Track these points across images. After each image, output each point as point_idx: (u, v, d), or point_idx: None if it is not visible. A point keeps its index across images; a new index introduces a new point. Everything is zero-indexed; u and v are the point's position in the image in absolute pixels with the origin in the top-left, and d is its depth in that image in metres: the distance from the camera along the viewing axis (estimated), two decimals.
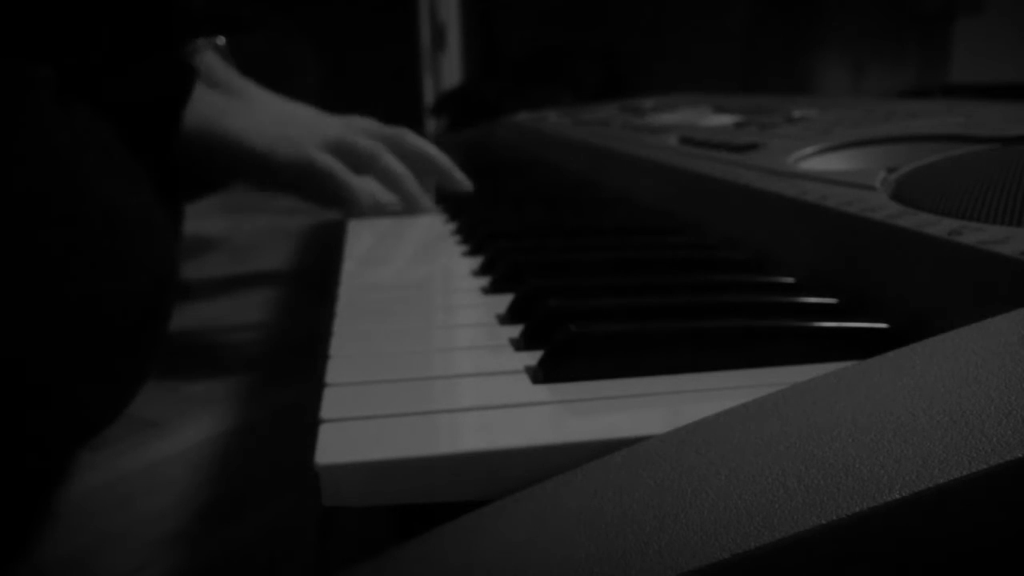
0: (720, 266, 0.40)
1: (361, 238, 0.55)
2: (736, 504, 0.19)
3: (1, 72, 0.41)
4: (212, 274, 0.95)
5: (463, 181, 0.67)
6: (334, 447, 0.22)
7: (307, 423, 0.24)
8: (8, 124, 0.39)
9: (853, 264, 0.33)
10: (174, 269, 0.46)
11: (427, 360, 0.30)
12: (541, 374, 0.27)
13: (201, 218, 1.12)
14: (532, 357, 0.28)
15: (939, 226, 0.30)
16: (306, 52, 1.05)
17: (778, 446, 0.20)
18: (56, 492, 0.44)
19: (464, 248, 0.49)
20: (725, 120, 0.74)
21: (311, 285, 0.89)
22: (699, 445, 0.21)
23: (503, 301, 0.36)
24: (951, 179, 0.36)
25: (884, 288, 0.31)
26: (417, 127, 0.70)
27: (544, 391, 0.26)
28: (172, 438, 0.51)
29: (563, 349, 0.27)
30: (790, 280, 0.36)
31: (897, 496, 0.18)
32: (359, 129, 0.66)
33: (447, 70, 2.53)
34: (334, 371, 0.28)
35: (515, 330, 0.32)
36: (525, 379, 0.27)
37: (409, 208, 0.63)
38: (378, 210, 0.63)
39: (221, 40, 0.73)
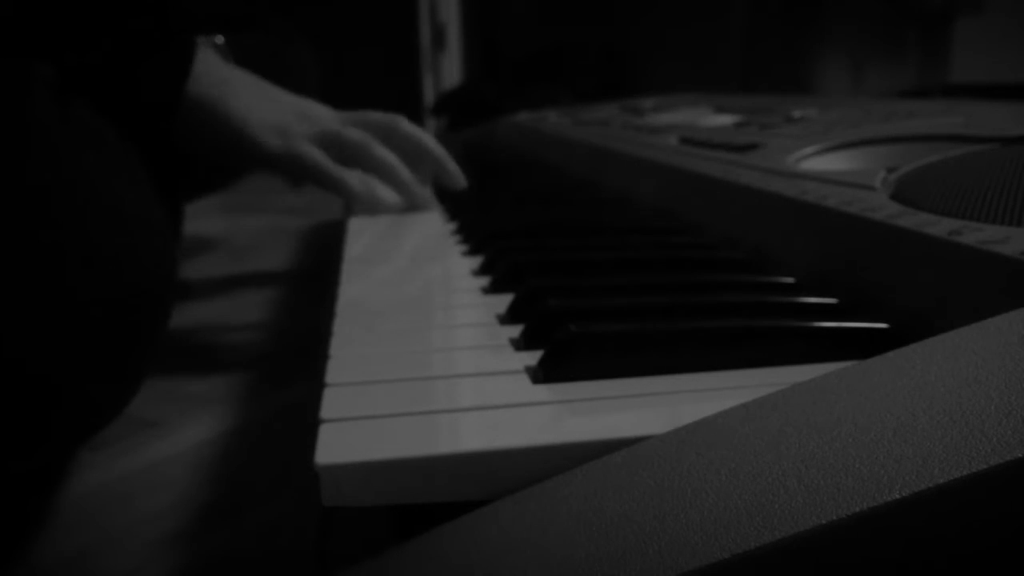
0: (720, 266, 0.40)
1: (361, 238, 0.55)
2: (736, 504, 0.19)
3: (1, 71, 0.41)
4: (212, 274, 0.95)
5: (456, 173, 0.67)
6: (334, 447, 0.22)
7: (307, 423, 0.24)
8: (8, 122, 0.39)
9: (853, 264, 0.33)
10: (174, 267, 0.46)
11: (427, 360, 0.30)
12: (541, 374, 0.27)
13: (201, 218, 1.12)
14: (532, 357, 0.28)
15: (939, 226, 0.30)
16: (305, 52, 1.05)
17: (778, 446, 0.20)
18: (56, 492, 0.44)
19: (464, 248, 0.49)
20: (725, 120, 0.74)
21: (311, 285, 0.89)
22: (699, 445, 0.21)
23: (503, 301, 0.36)
24: (951, 179, 0.36)
25: (884, 288, 0.31)
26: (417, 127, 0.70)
27: (544, 391, 0.26)
28: (172, 438, 0.51)
29: (563, 349, 0.27)
30: (790, 280, 0.36)
31: (897, 496, 0.18)
32: (354, 121, 0.66)
33: (447, 70, 2.53)
34: (334, 371, 0.28)
35: (515, 330, 0.32)
36: (525, 379, 0.27)
37: (404, 197, 0.63)
38: (374, 200, 0.63)
39: (220, 39, 0.73)
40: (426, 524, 0.21)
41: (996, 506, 0.18)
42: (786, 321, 0.29)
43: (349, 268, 0.45)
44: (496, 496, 0.21)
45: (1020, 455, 0.18)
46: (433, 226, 0.58)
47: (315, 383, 0.27)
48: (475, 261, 0.45)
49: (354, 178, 0.62)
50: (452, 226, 0.57)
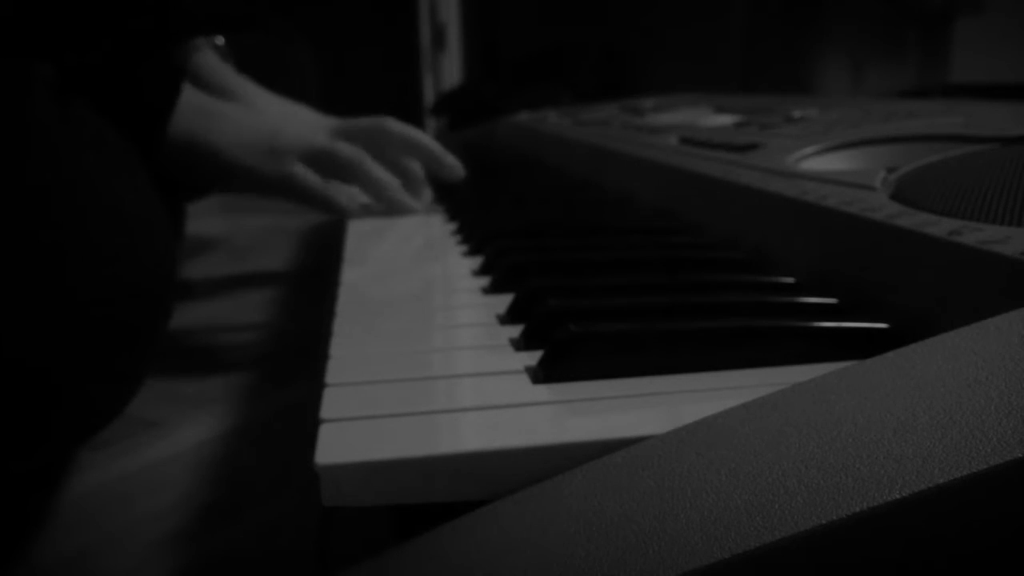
0: (720, 266, 0.40)
1: (361, 238, 0.55)
2: (736, 504, 0.19)
3: (1, 71, 0.41)
4: (212, 274, 0.95)
5: (454, 165, 0.67)
6: (334, 447, 0.22)
7: (307, 423, 0.24)
8: (8, 122, 0.39)
9: (853, 264, 0.33)
10: (174, 266, 0.47)
11: (427, 360, 0.30)
12: (541, 374, 0.27)
13: (201, 218, 1.12)
14: (532, 357, 0.28)
15: (939, 226, 0.30)
16: (305, 52, 1.05)
17: (778, 446, 0.20)
18: (56, 492, 0.44)
19: (464, 248, 0.49)
20: (725, 120, 0.74)
21: (311, 285, 0.89)
22: (699, 445, 0.21)
23: (503, 301, 0.36)
24: (951, 179, 0.36)
25: (884, 288, 0.31)
26: (417, 127, 0.70)
27: (544, 391, 0.26)
28: (172, 438, 0.51)
29: (563, 349, 0.27)
30: (790, 280, 0.36)
31: (897, 496, 0.18)
32: (346, 132, 0.66)
33: (447, 70, 2.53)
34: (334, 371, 0.28)
35: (515, 330, 0.32)
36: (525, 379, 0.27)
37: (395, 214, 0.63)
38: (365, 213, 0.63)
39: (220, 40, 0.73)
40: (426, 524, 0.21)
41: (996, 506, 0.18)
42: (786, 321, 0.29)
43: (349, 268, 0.45)
44: (496, 496, 0.21)
45: (1020, 455, 0.18)
46: (433, 226, 0.58)
47: (315, 383, 0.27)
48: (475, 261, 0.45)
49: (344, 196, 0.62)
50: (452, 226, 0.57)
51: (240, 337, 0.72)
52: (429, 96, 2.46)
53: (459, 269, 0.44)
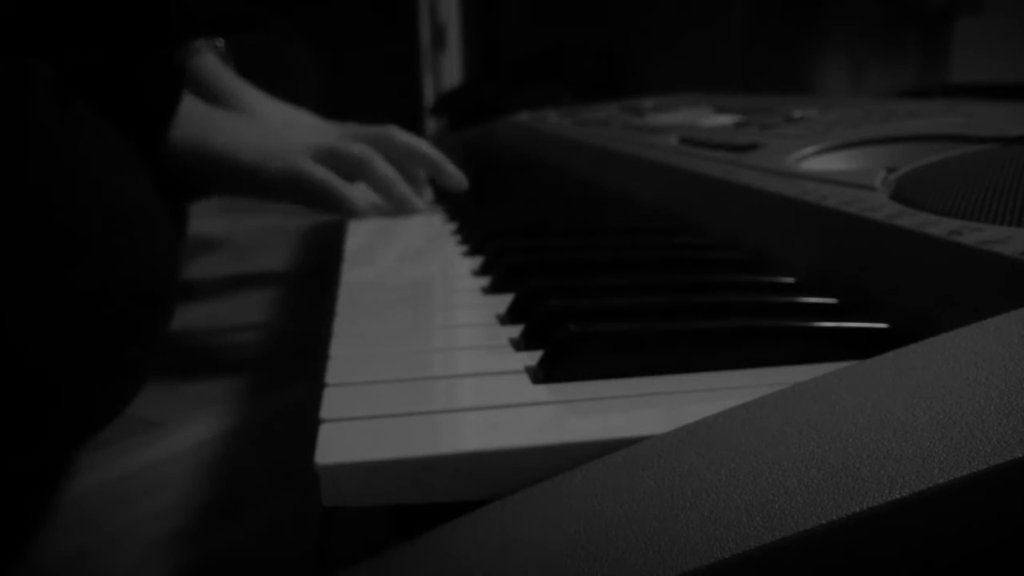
0: (720, 266, 0.40)
1: (361, 238, 0.55)
2: (736, 504, 0.19)
3: (1, 70, 0.41)
4: (213, 274, 0.95)
5: (455, 175, 0.67)
6: (334, 447, 0.22)
7: (307, 423, 0.24)
8: (8, 120, 0.39)
9: (853, 264, 0.33)
10: (176, 266, 0.46)
11: (427, 360, 0.30)
12: (541, 374, 0.27)
13: (201, 218, 1.12)
14: (532, 357, 0.28)
15: (939, 226, 0.30)
16: (306, 52, 1.05)
17: (778, 446, 0.20)
18: (56, 492, 0.44)
19: (464, 248, 0.49)
20: (725, 120, 0.74)
21: (311, 285, 0.89)
22: (699, 445, 0.21)
23: (503, 301, 0.36)
24: (951, 179, 0.36)
25: (884, 288, 0.31)
26: (417, 127, 0.70)
27: (544, 391, 0.26)
28: (172, 438, 0.51)
29: (563, 349, 0.27)
30: (790, 280, 0.36)
31: (897, 496, 0.18)
32: (348, 135, 0.66)
33: (447, 70, 2.53)
34: (334, 371, 0.28)
35: (515, 330, 0.32)
36: (525, 379, 0.27)
37: (402, 212, 0.63)
38: (375, 212, 0.63)
39: (220, 42, 0.73)
40: (426, 524, 0.21)
41: (996, 506, 0.18)
42: (786, 321, 0.29)
43: (349, 268, 0.45)
44: (496, 496, 0.21)
45: (1020, 455, 0.18)
46: (433, 226, 0.58)
47: (315, 383, 0.27)
48: (475, 261, 0.45)
49: (358, 194, 0.62)
50: (452, 226, 0.57)
51: (240, 337, 0.72)
52: (429, 96, 2.46)
53: (459, 269, 0.44)
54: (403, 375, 0.27)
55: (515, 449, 0.22)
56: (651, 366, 0.27)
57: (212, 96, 0.70)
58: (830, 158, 0.49)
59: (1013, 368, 0.20)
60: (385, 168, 0.63)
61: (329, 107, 0.73)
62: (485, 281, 0.40)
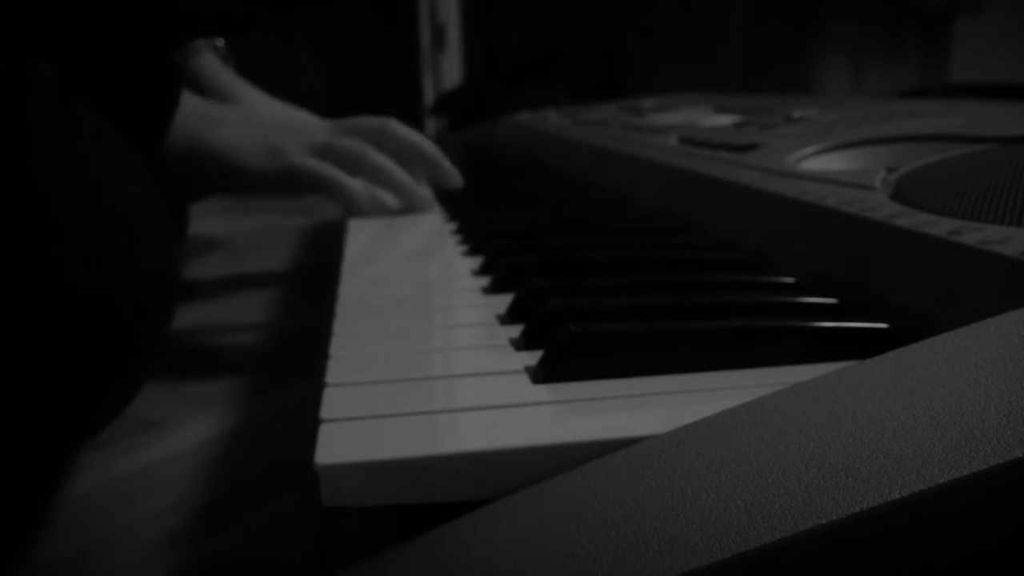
0: (720, 266, 0.40)
1: (361, 238, 0.55)
2: (736, 504, 0.19)
3: (1, 70, 0.41)
4: (213, 274, 0.95)
5: (451, 171, 0.67)
6: (334, 447, 0.22)
7: (307, 423, 0.24)
8: (7, 120, 0.39)
9: (853, 264, 0.33)
10: (177, 265, 0.46)
11: (427, 360, 0.30)
12: (541, 374, 0.27)
13: (201, 218, 1.12)
14: (532, 357, 0.28)
15: (939, 226, 0.30)
16: (305, 52, 1.05)
17: (778, 446, 0.20)
18: (56, 492, 0.44)
19: (464, 248, 0.49)
20: (725, 120, 0.74)
21: (311, 285, 0.89)
22: (699, 445, 0.21)
23: (503, 301, 0.36)
24: (951, 179, 0.36)
25: (884, 288, 0.31)
26: (417, 127, 0.70)
27: (544, 391, 0.26)
28: (172, 438, 0.51)
29: (563, 349, 0.27)
30: (790, 280, 0.36)
31: (897, 496, 0.18)
32: (345, 130, 0.66)
33: (447, 70, 2.53)
34: (334, 371, 0.28)
35: (515, 330, 0.32)
36: (525, 379, 0.27)
37: (403, 200, 0.63)
38: (376, 205, 0.63)
39: (220, 42, 0.73)
40: (426, 524, 0.21)
41: (996, 506, 0.18)
42: (786, 321, 0.29)
43: (349, 268, 0.45)
44: (496, 496, 0.21)
45: (1020, 455, 0.18)
46: (433, 226, 0.58)
47: (315, 383, 0.27)
48: (475, 261, 0.45)
49: (355, 183, 0.62)
50: (452, 226, 0.57)
51: (240, 337, 0.72)
52: (429, 96, 2.46)
53: (459, 269, 0.44)
54: (403, 375, 0.27)
55: (515, 449, 0.22)
56: (651, 366, 0.27)
57: (212, 96, 0.70)
58: (830, 158, 0.49)
59: (1013, 368, 0.20)
60: (380, 159, 0.63)
61: (329, 107, 0.73)
62: (485, 281, 0.40)
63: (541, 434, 0.23)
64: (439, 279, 0.43)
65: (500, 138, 1.16)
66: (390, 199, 0.63)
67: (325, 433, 0.23)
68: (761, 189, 0.42)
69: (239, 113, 0.64)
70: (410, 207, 0.64)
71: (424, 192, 0.64)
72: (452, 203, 0.64)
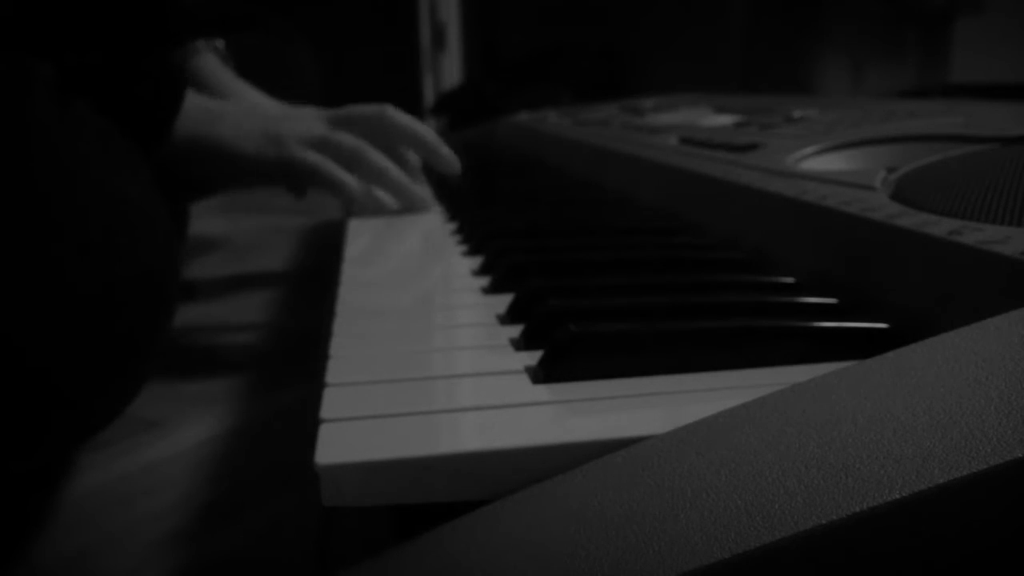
0: (720, 266, 0.40)
1: (361, 238, 0.55)
2: (736, 504, 0.19)
3: (1, 69, 0.41)
4: (212, 274, 0.95)
5: (450, 157, 0.67)
6: (334, 447, 0.22)
7: (307, 423, 0.24)
8: (7, 119, 0.39)
9: (853, 264, 0.33)
10: (177, 265, 0.46)
11: (427, 360, 0.30)
12: (541, 374, 0.27)
13: (201, 218, 1.12)
14: (532, 357, 0.28)
15: (939, 226, 0.30)
16: (306, 52, 1.05)
17: (778, 446, 0.20)
18: (56, 492, 0.44)
19: (464, 248, 0.49)
20: (725, 120, 0.74)
21: (311, 285, 0.89)
22: (699, 445, 0.21)
23: (503, 301, 0.35)
24: (951, 179, 0.36)
25: (884, 288, 0.31)
26: None
27: (544, 391, 0.26)
28: (172, 438, 0.51)
29: (563, 349, 0.27)
30: (790, 280, 0.36)
31: (897, 496, 0.18)
32: (343, 120, 0.66)
33: (447, 70, 2.53)
34: (334, 371, 0.28)
35: (515, 330, 0.32)
36: (525, 379, 0.27)
37: (401, 199, 0.63)
38: (374, 203, 0.63)
39: (220, 43, 0.73)
40: (426, 524, 0.21)
41: (996, 506, 0.18)
42: (786, 321, 0.29)
43: (349, 268, 0.45)
44: (496, 496, 0.21)
45: (1020, 455, 0.18)
46: (433, 226, 0.58)
47: (315, 383, 0.27)
48: (475, 261, 0.45)
49: (353, 180, 0.62)
50: (452, 226, 0.57)
51: (240, 337, 0.72)
52: (429, 96, 2.46)
53: (459, 269, 0.44)
54: (403, 375, 0.27)
55: (515, 449, 0.22)
56: (651, 366, 0.27)
57: (212, 95, 0.70)
58: (830, 158, 0.49)
59: (1013, 368, 0.20)
60: (377, 158, 0.63)
61: (329, 107, 0.73)
62: (485, 281, 0.40)
63: (541, 434, 0.23)
64: (439, 279, 0.43)
65: (500, 138, 1.16)
66: (388, 198, 0.64)
67: (325, 433, 0.23)
68: (761, 189, 0.42)
69: (239, 107, 0.65)
70: (408, 207, 0.64)
71: (422, 192, 0.64)
72: (452, 203, 0.64)
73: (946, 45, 2.03)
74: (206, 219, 1.18)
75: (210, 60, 0.72)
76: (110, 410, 0.42)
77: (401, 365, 0.29)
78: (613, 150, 0.69)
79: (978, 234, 0.28)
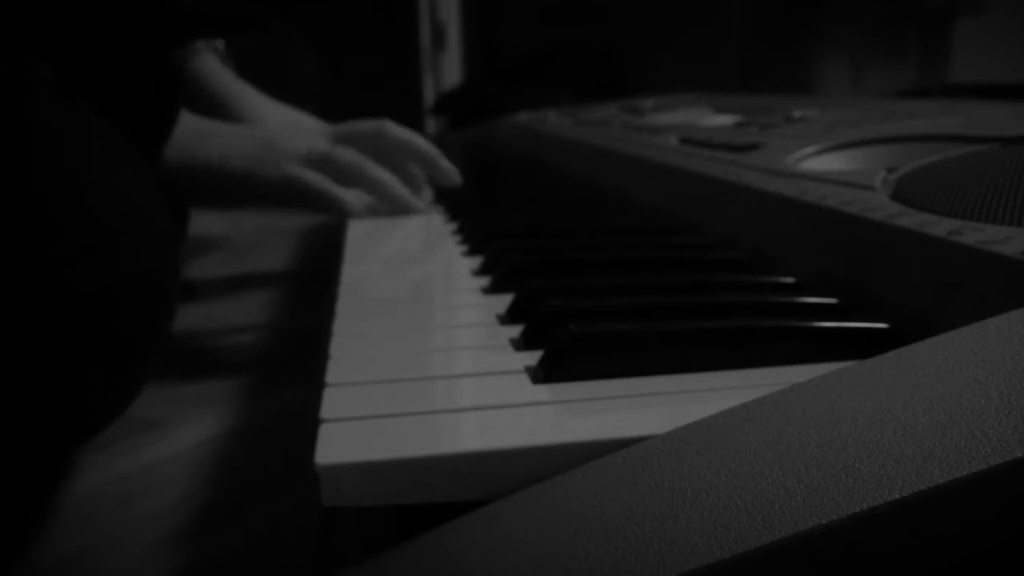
0: (720, 266, 0.40)
1: (361, 238, 0.55)
2: (736, 504, 0.19)
3: (1, 69, 0.41)
4: (212, 274, 0.95)
5: (450, 170, 0.67)
6: (334, 447, 0.22)
7: (307, 423, 0.24)
8: (7, 119, 0.39)
9: (853, 264, 0.33)
10: (177, 263, 0.46)
11: (427, 360, 0.30)
12: (541, 374, 0.27)
13: (201, 218, 1.12)
14: (532, 357, 0.28)
15: (939, 226, 0.30)
16: (306, 52, 1.05)
17: (778, 446, 0.20)
18: (56, 492, 0.44)
19: (464, 248, 0.49)
20: (725, 120, 0.74)
21: (311, 285, 0.89)
22: (699, 445, 0.21)
23: (503, 301, 0.36)
24: (951, 179, 0.36)
25: (884, 288, 0.31)
26: (417, 127, 0.70)
27: (544, 391, 0.26)
28: (172, 438, 0.51)
29: (563, 349, 0.27)
30: (790, 280, 0.36)
31: (897, 496, 0.18)
32: (341, 137, 0.65)
33: (447, 70, 2.53)
34: (334, 371, 0.28)
35: (515, 330, 0.32)
36: (525, 379, 0.27)
37: (402, 213, 0.63)
38: (371, 212, 0.63)
39: (220, 43, 0.73)
40: (426, 524, 0.21)
41: (996, 506, 0.18)
42: (786, 321, 0.29)
43: (349, 268, 0.45)
44: (496, 496, 0.21)
45: (1020, 455, 0.18)
46: (433, 226, 0.58)
47: (315, 383, 0.27)
48: (475, 261, 0.45)
49: (351, 196, 0.62)
50: (452, 226, 0.57)
51: (240, 337, 0.72)
52: (429, 96, 2.46)
53: (459, 269, 0.44)
54: (403, 375, 0.27)
55: (515, 449, 0.22)
56: (651, 366, 0.27)
57: (212, 97, 0.70)
58: (830, 158, 0.49)
59: (1013, 368, 0.20)
60: (378, 172, 0.62)
61: (329, 107, 0.73)
62: (485, 281, 0.40)
63: (541, 434, 0.23)
64: (439, 279, 0.43)
65: (500, 138, 1.16)
66: (388, 212, 0.63)
67: (325, 433, 0.23)
68: (761, 189, 0.42)
69: (234, 126, 0.64)
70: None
71: (422, 204, 0.64)
72: (452, 203, 0.64)
73: (946, 45, 2.03)
74: (206, 219, 1.18)
75: (210, 60, 0.72)
76: (110, 410, 0.42)
77: (401, 365, 0.29)
78: (613, 150, 0.69)
79: (978, 234, 0.28)
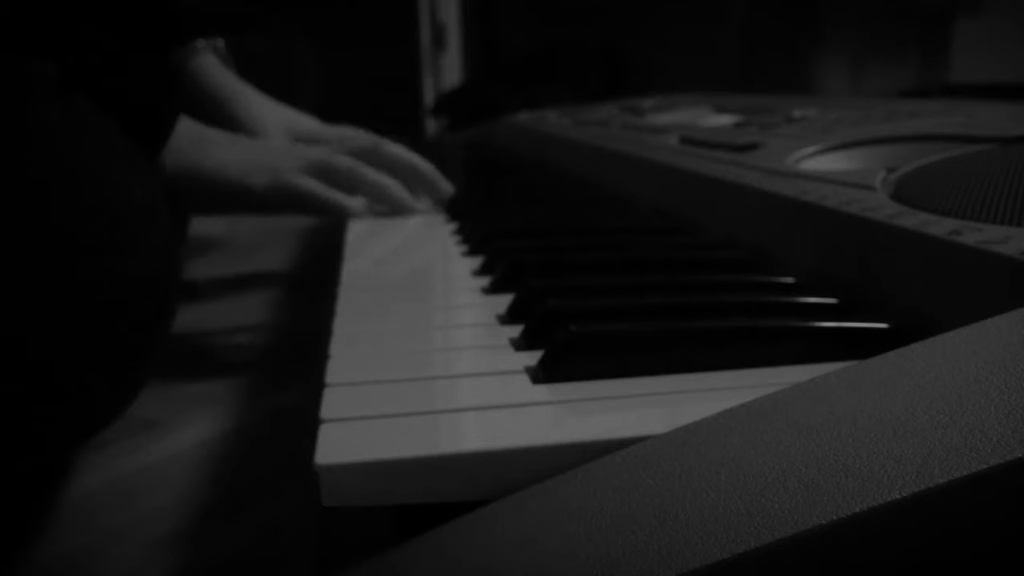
0: (720, 266, 0.40)
1: (361, 239, 0.55)
2: (736, 504, 0.19)
3: (1, 68, 0.41)
4: (212, 274, 0.95)
5: (446, 187, 0.67)
6: (334, 447, 0.22)
7: (307, 423, 0.24)
8: (8, 116, 0.39)
9: (853, 264, 0.33)
10: (178, 263, 0.46)
11: (427, 360, 0.30)
12: (541, 374, 0.27)
13: (201, 218, 1.12)
14: (532, 357, 0.28)
15: (939, 226, 0.30)
16: (306, 52, 1.05)
17: (778, 446, 0.20)
18: (56, 492, 0.44)
19: (464, 248, 0.49)
20: (725, 120, 0.74)
21: (311, 285, 0.89)
22: (699, 445, 0.21)
23: (503, 301, 0.36)
24: (951, 179, 0.36)
25: (884, 288, 0.31)
26: (417, 127, 0.70)
27: (544, 391, 0.26)
28: (172, 438, 0.51)
29: (563, 349, 0.27)
30: (790, 280, 0.36)
31: (897, 496, 0.18)
32: (338, 146, 0.66)
33: (447, 70, 2.53)
34: (334, 371, 0.28)
35: (515, 330, 0.32)
36: (525, 379, 0.27)
37: (397, 213, 0.63)
38: (371, 213, 0.63)
39: (220, 43, 0.73)
40: (426, 524, 0.21)
41: (996, 506, 0.18)
42: (786, 321, 0.29)
43: (349, 268, 0.45)
44: (496, 496, 0.21)
45: (1020, 455, 0.18)
46: (433, 226, 0.58)
47: (315, 383, 0.27)
48: (475, 261, 0.45)
49: (351, 201, 0.62)
50: (452, 226, 0.57)
51: (240, 337, 0.72)
52: (429, 96, 2.46)
53: (459, 269, 0.44)
54: (403, 375, 0.27)
55: (515, 449, 0.22)
56: (651, 366, 0.27)
57: (212, 97, 0.70)
58: (830, 158, 0.49)
59: (1013, 368, 0.20)
60: (374, 175, 0.63)
61: (329, 107, 0.73)
62: (485, 281, 0.40)
63: (541, 434, 0.23)
64: (439, 279, 0.43)
65: (500, 138, 1.16)
66: (387, 212, 0.63)
67: (325, 433, 0.23)
68: (761, 189, 0.42)
69: (232, 135, 0.64)
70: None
71: (418, 205, 0.64)
72: (452, 203, 0.64)
73: (946, 45, 2.04)
74: (206, 219, 1.18)
75: (210, 60, 0.72)
76: (110, 410, 0.42)
77: (401, 365, 0.29)
78: (613, 150, 0.69)
79: (978, 234, 0.28)
